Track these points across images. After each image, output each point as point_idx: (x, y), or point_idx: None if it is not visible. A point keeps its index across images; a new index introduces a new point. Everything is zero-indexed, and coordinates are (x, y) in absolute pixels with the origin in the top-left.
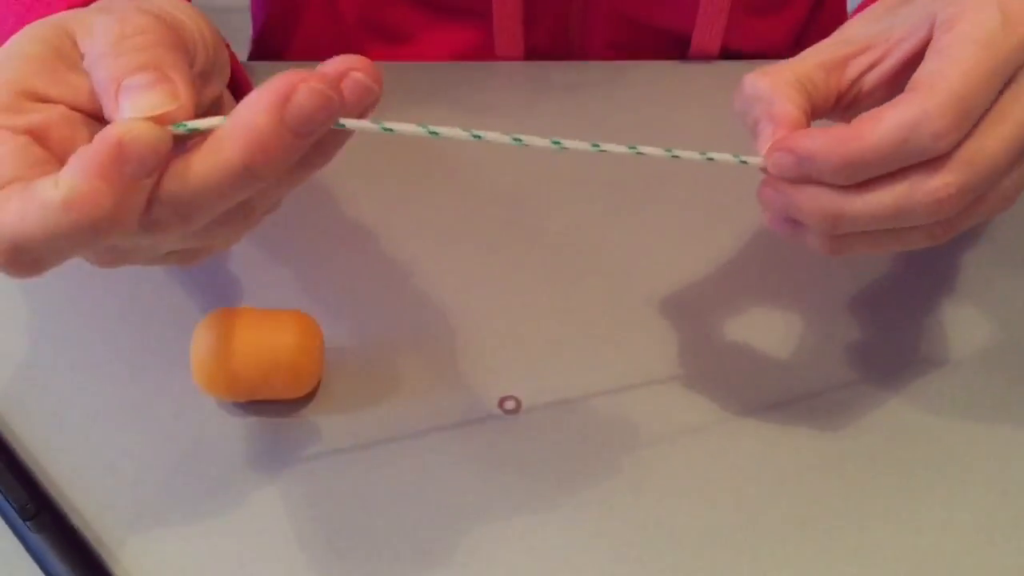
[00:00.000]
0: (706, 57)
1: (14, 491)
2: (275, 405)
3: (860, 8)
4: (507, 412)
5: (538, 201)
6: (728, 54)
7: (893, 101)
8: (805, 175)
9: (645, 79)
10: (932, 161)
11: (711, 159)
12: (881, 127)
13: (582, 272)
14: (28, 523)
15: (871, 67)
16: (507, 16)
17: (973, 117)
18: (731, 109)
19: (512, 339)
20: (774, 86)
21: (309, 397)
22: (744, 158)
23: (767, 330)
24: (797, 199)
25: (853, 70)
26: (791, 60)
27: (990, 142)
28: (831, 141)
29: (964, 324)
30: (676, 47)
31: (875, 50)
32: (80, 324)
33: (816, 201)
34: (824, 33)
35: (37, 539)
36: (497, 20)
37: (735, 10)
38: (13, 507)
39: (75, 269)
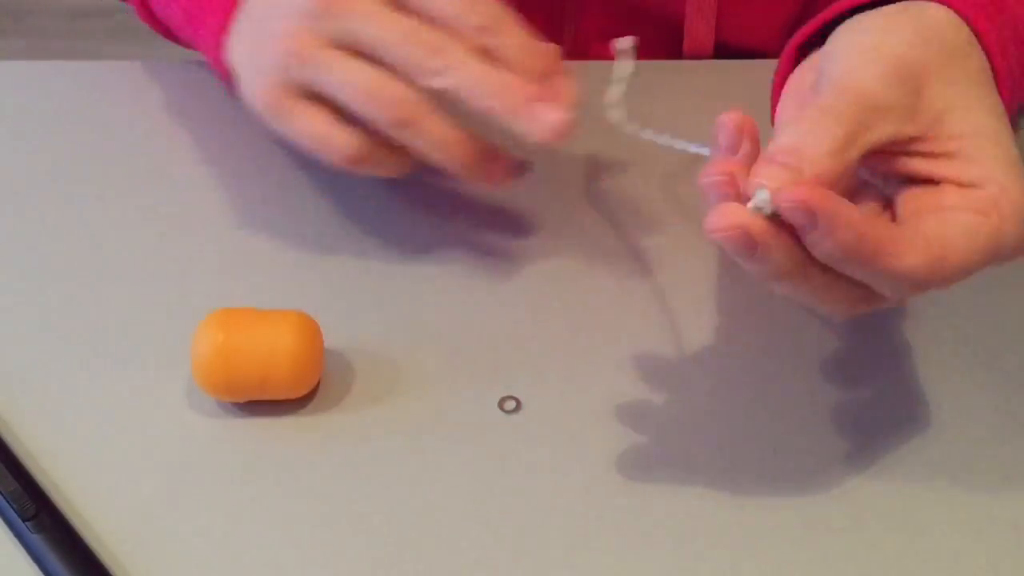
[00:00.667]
0: (700, 46)
1: (14, 491)
2: (275, 405)
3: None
4: (507, 412)
5: (538, 201)
6: (723, 50)
7: (958, 238)
8: (801, 230)
9: (640, 78)
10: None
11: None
12: (919, 261)
13: (583, 272)
14: (28, 523)
15: (917, 153)
16: None
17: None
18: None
19: (512, 339)
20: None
21: (309, 397)
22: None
23: (771, 332)
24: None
25: (885, 134)
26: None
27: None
28: (864, 242)
29: (975, 335)
30: (670, 36)
31: (923, 135)
32: (80, 324)
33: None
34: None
35: (37, 539)
36: None
37: None
38: (13, 507)
39: (75, 269)
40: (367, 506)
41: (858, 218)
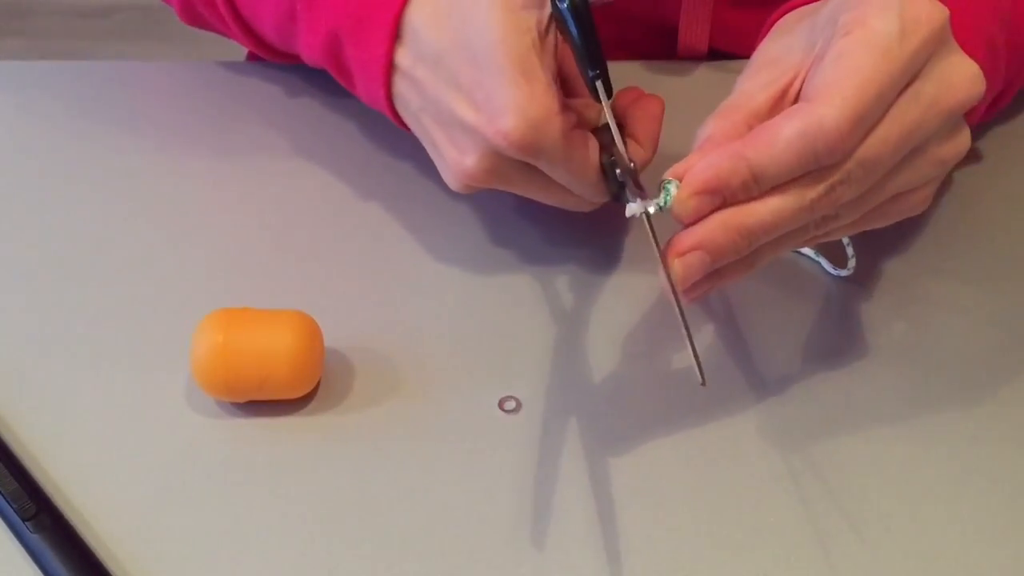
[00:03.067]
0: (694, 53)
1: (14, 491)
2: (275, 405)
3: (773, 20)
4: (507, 412)
5: (537, 201)
6: (716, 59)
7: (789, 111)
8: (718, 205)
9: (632, 79)
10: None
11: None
12: (780, 140)
13: (582, 272)
14: (27, 523)
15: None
16: None
17: (867, 126)
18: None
19: (512, 339)
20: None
21: (309, 397)
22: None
23: (773, 332)
24: (710, 235)
25: (791, 97)
26: (743, 95)
27: (877, 145)
28: (734, 161)
29: (965, 323)
30: (665, 43)
31: (807, 65)
32: (80, 324)
33: (727, 224)
34: None
35: (36, 539)
36: None
37: (720, 3)
38: (13, 507)
39: (75, 269)
40: (367, 506)
41: (718, 150)
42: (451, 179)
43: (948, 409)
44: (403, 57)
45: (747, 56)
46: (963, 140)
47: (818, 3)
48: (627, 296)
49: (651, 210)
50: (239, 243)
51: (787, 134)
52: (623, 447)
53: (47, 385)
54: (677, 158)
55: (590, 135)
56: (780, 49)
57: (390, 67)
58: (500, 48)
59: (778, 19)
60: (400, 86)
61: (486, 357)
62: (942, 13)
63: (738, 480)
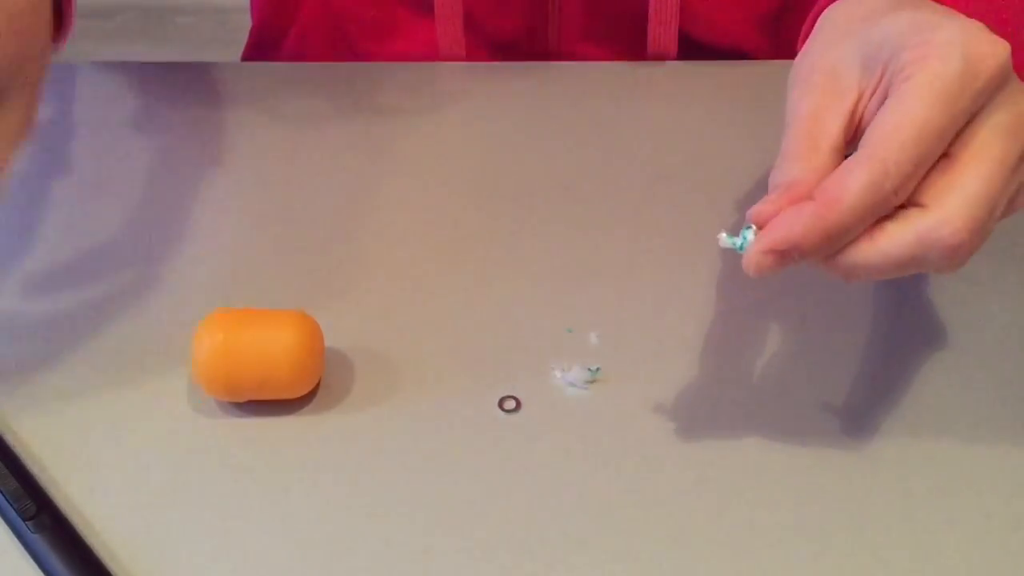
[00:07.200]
0: (665, 44)
1: (14, 491)
2: (275, 405)
3: (816, 13)
4: (507, 412)
5: (540, 202)
6: (695, 50)
7: (851, 161)
8: (792, 261)
9: (607, 79)
10: (936, 214)
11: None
12: (850, 192)
13: (582, 273)
14: (28, 523)
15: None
16: (448, 16)
17: (927, 165)
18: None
19: (512, 339)
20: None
21: (309, 397)
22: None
23: (772, 333)
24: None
25: (855, 121)
26: (815, 122)
27: (976, 183)
28: (808, 221)
29: (971, 327)
30: (634, 32)
31: (868, 92)
32: (80, 324)
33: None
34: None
35: (37, 539)
36: (439, 22)
37: None
38: (13, 507)
39: (75, 269)
40: (367, 506)
41: (792, 212)
42: None
43: (950, 408)
44: None
45: (719, 45)
46: None
47: (870, 4)
48: (628, 295)
49: (726, 245)
50: (239, 243)
51: (855, 186)
52: (623, 446)
53: (47, 385)
54: (679, 158)
55: None
56: (836, 58)
57: None
58: None
59: (820, 12)
60: None
61: (486, 357)
62: (1005, 48)
63: (739, 480)
